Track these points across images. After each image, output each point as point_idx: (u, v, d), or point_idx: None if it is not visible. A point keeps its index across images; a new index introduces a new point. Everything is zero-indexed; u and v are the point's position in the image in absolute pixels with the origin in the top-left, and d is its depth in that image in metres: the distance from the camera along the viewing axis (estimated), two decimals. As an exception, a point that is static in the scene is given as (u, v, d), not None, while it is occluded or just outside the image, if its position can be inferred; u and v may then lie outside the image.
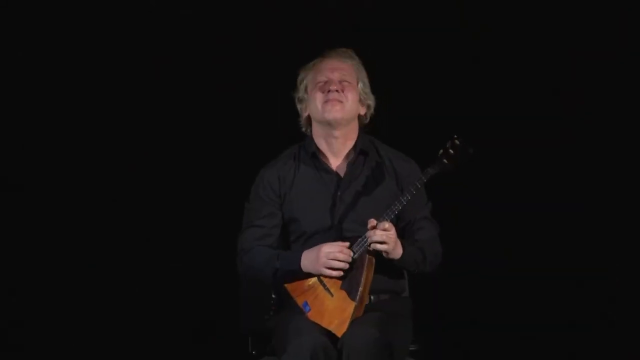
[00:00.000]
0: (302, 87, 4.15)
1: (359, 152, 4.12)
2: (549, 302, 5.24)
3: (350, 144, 4.13)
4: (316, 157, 4.12)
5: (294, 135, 4.25)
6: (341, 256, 3.90)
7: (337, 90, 4.06)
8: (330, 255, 3.91)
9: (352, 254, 3.91)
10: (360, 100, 4.12)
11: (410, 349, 4.07)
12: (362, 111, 4.14)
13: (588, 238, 5.22)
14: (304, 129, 4.20)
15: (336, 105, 4.06)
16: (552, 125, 5.21)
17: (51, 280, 5.27)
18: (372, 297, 3.96)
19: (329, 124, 4.08)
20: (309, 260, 3.95)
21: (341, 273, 3.91)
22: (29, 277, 5.27)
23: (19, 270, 5.26)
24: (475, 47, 5.21)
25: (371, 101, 4.16)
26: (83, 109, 5.27)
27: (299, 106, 4.18)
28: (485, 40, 5.19)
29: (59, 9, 5.19)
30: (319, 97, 4.08)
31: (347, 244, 3.92)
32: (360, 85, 4.12)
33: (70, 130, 5.28)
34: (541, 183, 5.26)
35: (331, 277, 3.92)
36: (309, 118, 4.16)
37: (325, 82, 4.08)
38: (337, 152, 4.13)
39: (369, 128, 4.20)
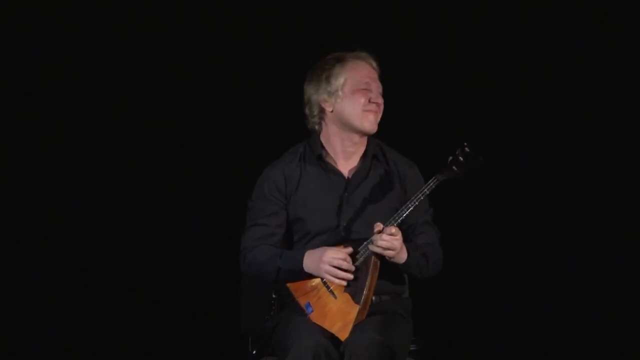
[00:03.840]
0: (337, 82, 4.04)
1: (370, 157, 4.09)
2: (549, 302, 5.24)
3: (361, 148, 4.11)
4: (322, 159, 4.09)
5: (293, 135, 4.24)
6: (345, 265, 3.88)
7: (381, 103, 4.03)
8: (335, 262, 3.88)
9: (354, 264, 3.89)
10: None
11: (410, 349, 4.07)
12: None
13: (587, 238, 5.23)
14: (314, 120, 4.10)
15: (376, 117, 4.03)
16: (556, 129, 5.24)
17: (55, 272, 5.28)
18: (373, 298, 3.95)
19: (360, 132, 4.06)
20: (311, 260, 3.93)
21: (343, 282, 3.89)
22: (28, 280, 5.27)
23: (17, 275, 5.26)
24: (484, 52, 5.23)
25: None
26: (84, 109, 5.28)
27: (322, 97, 4.05)
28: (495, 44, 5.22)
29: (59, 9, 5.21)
30: (362, 102, 4.01)
31: (350, 249, 3.91)
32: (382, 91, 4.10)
33: (71, 131, 5.29)
34: (539, 184, 5.27)
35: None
36: (326, 113, 4.08)
37: (370, 91, 4.02)
38: (349, 154, 4.09)
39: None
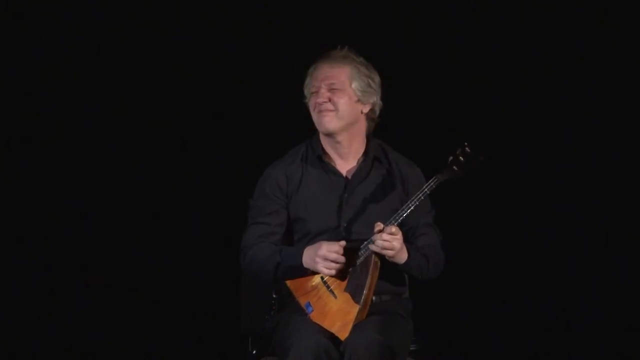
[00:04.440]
0: (306, 89, 4.11)
1: (371, 157, 4.10)
2: (549, 302, 5.24)
3: (357, 146, 4.11)
4: (322, 160, 4.10)
5: (294, 135, 4.24)
6: (336, 256, 3.88)
7: (324, 102, 4.03)
8: (330, 257, 3.89)
9: (355, 264, 3.90)
10: (358, 100, 4.08)
11: (410, 349, 4.07)
12: (365, 109, 4.09)
13: (587, 238, 5.23)
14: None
15: (326, 115, 4.03)
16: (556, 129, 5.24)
17: (55, 272, 5.28)
18: (373, 298, 3.95)
19: (326, 134, 4.08)
20: (308, 256, 3.94)
21: (332, 272, 3.89)
22: (28, 280, 5.27)
23: (17, 275, 5.26)
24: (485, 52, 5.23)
25: (376, 97, 4.08)
26: (84, 109, 5.28)
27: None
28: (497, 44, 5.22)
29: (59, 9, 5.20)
30: (310, 105, 4.06)
31: (344, 243, 3.91)
32: (354, 85, 4.05)
33: (71, 131, 5.29)
34: (539, 184, 5.27)
35: (332, 277, 3.92)
36: None
37: (316, 93, 4.05)
38: (343, 155, 4.10)
39: (377, 125, 4.15)
